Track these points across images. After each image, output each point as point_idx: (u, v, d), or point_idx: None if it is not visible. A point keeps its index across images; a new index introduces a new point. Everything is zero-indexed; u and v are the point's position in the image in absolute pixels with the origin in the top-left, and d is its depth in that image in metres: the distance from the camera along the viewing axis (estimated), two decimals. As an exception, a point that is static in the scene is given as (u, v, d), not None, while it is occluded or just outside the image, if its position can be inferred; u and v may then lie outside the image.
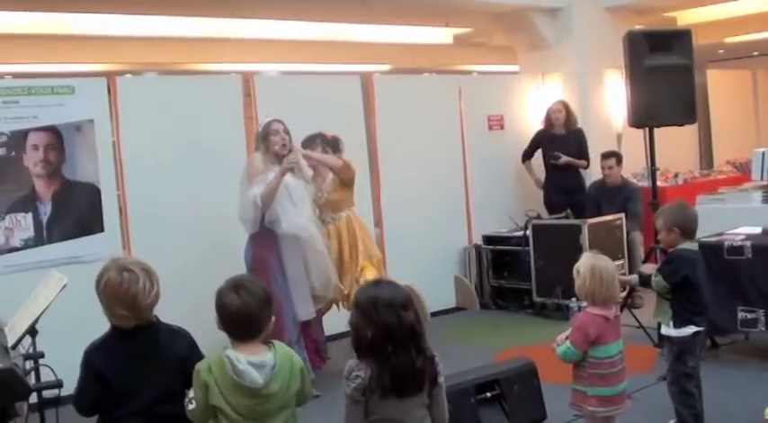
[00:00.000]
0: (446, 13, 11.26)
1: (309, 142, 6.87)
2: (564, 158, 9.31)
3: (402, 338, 3.21)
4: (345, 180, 6.82)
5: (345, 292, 6.72)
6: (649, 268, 5.36)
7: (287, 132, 6.27)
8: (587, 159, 9.45)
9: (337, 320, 6.89)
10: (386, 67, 13.69)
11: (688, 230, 4.97)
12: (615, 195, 9.15)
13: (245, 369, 3.21)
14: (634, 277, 5.73)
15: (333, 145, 6.93)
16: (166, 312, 3.56)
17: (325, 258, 6.47)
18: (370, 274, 6.67)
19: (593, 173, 9.52)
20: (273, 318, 3.41)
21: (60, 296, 4.24)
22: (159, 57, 11.78)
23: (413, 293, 3.33)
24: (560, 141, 9.48)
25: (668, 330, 4.96)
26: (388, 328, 3.19)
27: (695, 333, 4.86)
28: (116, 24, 10.16)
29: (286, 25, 11.18)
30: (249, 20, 10.71)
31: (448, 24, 12.32)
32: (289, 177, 6.21)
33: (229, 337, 3.33)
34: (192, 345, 3.54)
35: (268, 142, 6.26)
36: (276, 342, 3.42)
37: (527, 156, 9.76)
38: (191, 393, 3.29)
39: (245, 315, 3.28)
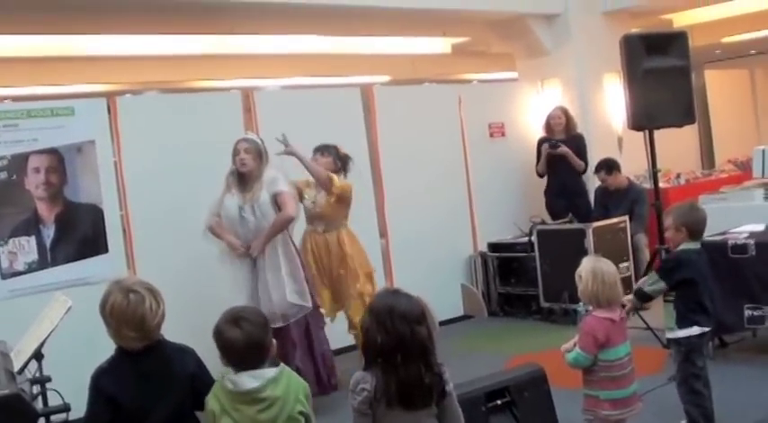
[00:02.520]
0: (443, 23, 11.24)
1: (323, 149, 6.88)
2: (562, 148, 9.29)
3: (412, 352, 3.22)
4: (340, 197, 6.74)
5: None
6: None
7: (247, 152, 6.22)
8: (586, 163, 9.43)
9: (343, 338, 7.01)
10: (385, 79, 13.70)
11: (695, 231, 4.99)
12: (622, 198, 9.14)
13: (240, 379, 3.24)
14: (630, 298, 5.42)
15: (342, 161, 6.93)
16: (172, 331, 3.56)
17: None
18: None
19: (593, 177, 9.52)
20: (275, 341, 3.40)
21: (66, 319, 4.24)
22: (158, 75, 11.80)
23: (425, 308, 3.32)
24: (560, 146, 9.45)
25: (673, 333, 4.96)
26: (401, 338, 3.19)
27: (702, 333, 4.86)
28: (114, 45, 10.16)
29: (284, 40, 11.16)
30: (247, 36, 10.72)
31: (445, 34, 12.31)
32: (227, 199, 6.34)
33: (235, 370, 3.31)
34: (199, 362, 3.54)
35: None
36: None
37: (541, 172, 9.66)
38: None
39: (252, 344, 3.27)
